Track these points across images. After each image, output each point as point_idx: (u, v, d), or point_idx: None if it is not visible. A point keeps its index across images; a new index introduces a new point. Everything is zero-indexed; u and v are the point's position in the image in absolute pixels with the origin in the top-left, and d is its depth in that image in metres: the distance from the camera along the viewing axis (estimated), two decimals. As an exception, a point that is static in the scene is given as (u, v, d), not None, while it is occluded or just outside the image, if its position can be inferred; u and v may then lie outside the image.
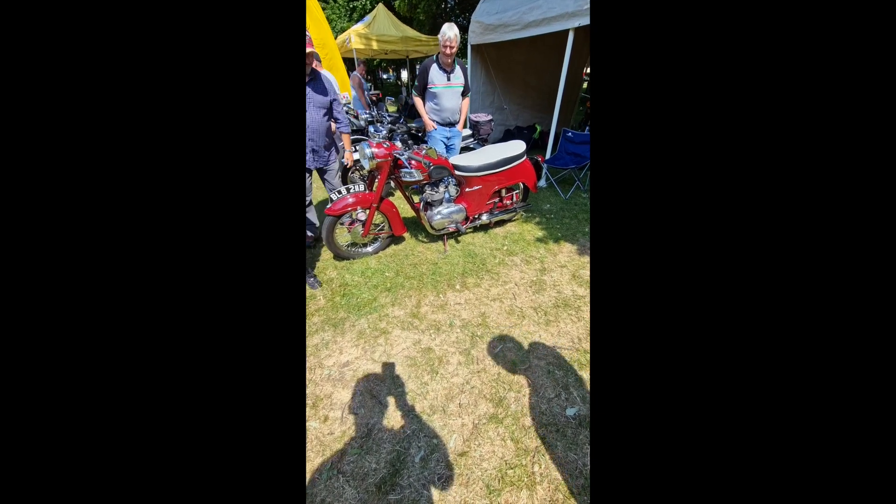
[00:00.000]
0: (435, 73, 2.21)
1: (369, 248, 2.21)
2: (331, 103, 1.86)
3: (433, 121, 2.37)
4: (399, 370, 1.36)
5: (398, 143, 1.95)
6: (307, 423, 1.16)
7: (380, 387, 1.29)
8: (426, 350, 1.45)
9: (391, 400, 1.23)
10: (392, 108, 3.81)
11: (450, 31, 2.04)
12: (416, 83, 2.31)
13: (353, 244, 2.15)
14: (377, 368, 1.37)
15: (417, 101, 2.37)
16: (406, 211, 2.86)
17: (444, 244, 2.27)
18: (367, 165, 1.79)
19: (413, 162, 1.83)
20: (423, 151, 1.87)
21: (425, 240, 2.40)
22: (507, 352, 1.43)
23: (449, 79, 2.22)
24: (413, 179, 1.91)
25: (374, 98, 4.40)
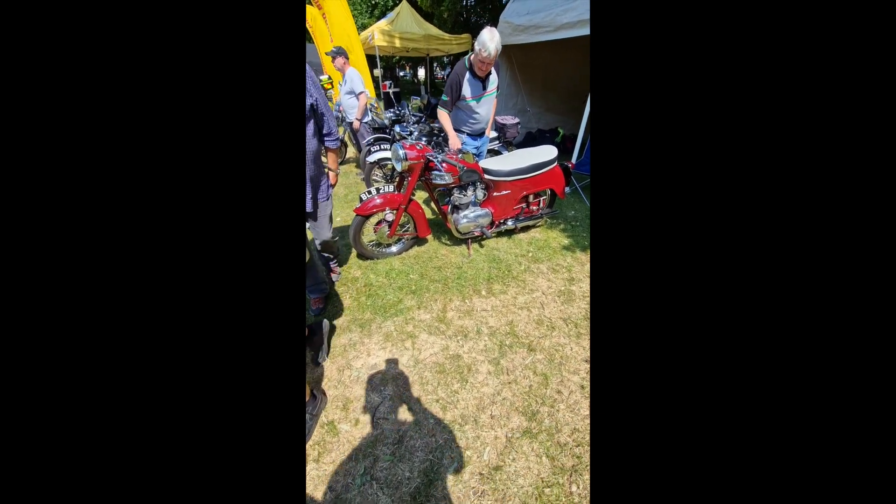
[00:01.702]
0: (469, 86, 1.93)
1: (393, 249, 2.20)
2: (311, 108, 1.27)
3: (463, 132, 2.18)
4: (428, 376, 1.35)
5: (429, 145, 1.93)
6: (339, 426, 1.16)
7: (409, 392, 1.28)
8: (454, 357, 1.44)
9: (421, 407, 1.22)
10: (414, 106, 3.77)
11: (491, 43, 1.69)
12: (443, 97, 2.01)
13: (378, 244, 2.15)
14: (406, 373, 1.36)
15: (443, 115, 2.02)
16: (428, 212, 2.84)
17: (469, 248, 2.24)
18: (398, 167, 1.78)
19: (445, 165, 1.80)
20: (459, 154, 1.84)
21: (449, 242, 2.38)
22: (537, 364, 1.40)
23: (485, 87, 1.98)
24: (443, 182, 1.89)
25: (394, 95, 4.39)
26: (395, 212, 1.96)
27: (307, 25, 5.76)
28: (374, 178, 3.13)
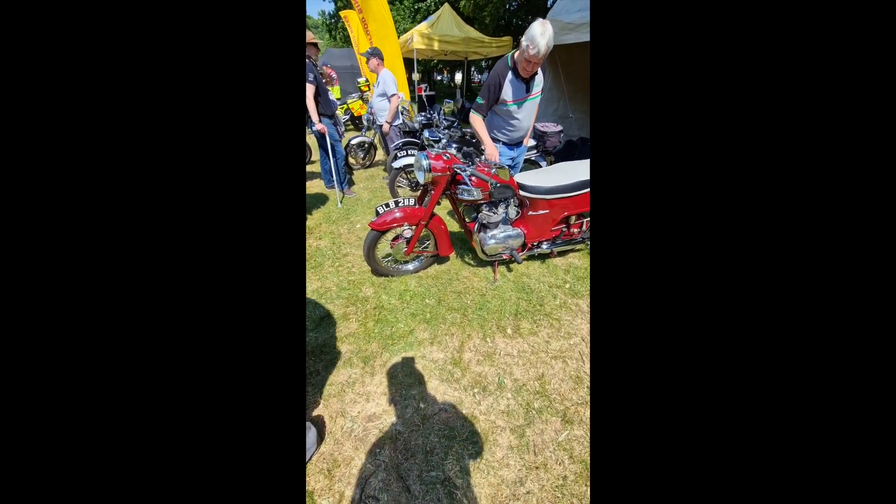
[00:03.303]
0: (510, 88, 1.64)
1: (410, 266, 1.99)
2: None
3: (498, 141, 1.90)
4: (434, 441, 1.09)
5: (458, 155, 1.68)
6: (318, 501, 0.94)
7: (409, 463, 1.03)
8: (469, 418, 1.17)
9: (421, 488, 0.97)
10: (447, 110, 3.55)
11: (542, 38, 1.42)
12: (479, 99, 1.71)
13: (394, 260, 1.95)
14: (408, 434, 1.12)
15: (476, 120, 1.73)
16: (451, 223, 2.61)
17: (495, 272, 1.97)
18: (421, 179, 1.56)
19: (474, 179, 1.54)
20: (493, 170, 1.58)
21: (472, 263, 2.12)
22: (575, 443, 1.09)
23: (529, 90, 1.69)
24: (471, 198, 1.64)
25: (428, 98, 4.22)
26: (414, 228, 1.74)
27: (350, 32, 5.86)
28: (399, 184, 2.96)
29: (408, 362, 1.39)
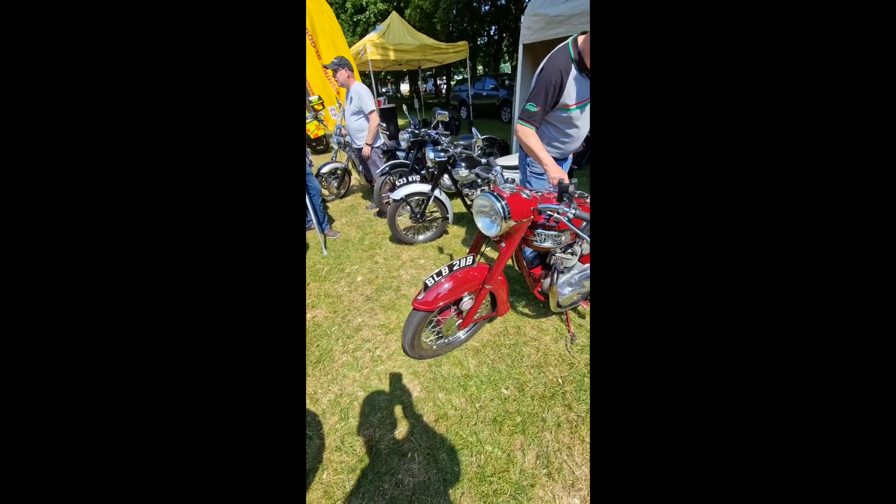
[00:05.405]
0: (574, 87, 1.20)
1: (461, 335, 1.46)
2: None
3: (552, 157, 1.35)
4: None
5: (543, 191, 1.16)
6: None
7: None
8: None
9: None
10: (441, 120, 2.99)
11: None
12: (529, 105, 1.25)
13: (439, 334, 1.40)
14: None
15: (529, 133, 1.26)
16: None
17: (568, 324, 1.51)
18: (491, 231, 1.04)
19: (574, 218, 1.02)
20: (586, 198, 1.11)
21: (528, 311, 1.65)
22: None
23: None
24: (555, 244, 1.16)
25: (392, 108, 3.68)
26: (475, 295, 1.22)
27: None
28: (400, 214, 2.40)
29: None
